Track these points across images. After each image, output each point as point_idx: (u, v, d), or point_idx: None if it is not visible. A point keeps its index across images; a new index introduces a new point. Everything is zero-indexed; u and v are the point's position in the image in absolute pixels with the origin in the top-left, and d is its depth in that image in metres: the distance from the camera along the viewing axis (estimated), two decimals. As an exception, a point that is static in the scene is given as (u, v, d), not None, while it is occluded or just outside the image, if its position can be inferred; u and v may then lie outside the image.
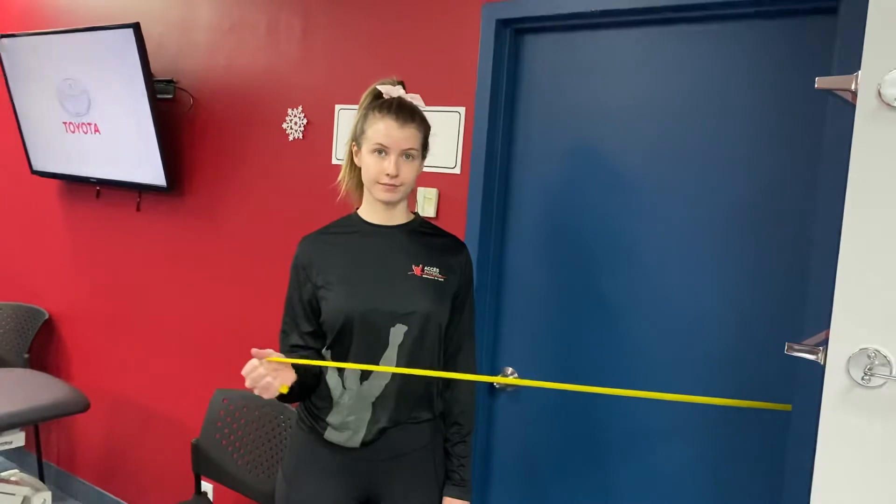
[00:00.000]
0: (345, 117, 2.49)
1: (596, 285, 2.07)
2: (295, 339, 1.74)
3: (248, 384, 1.56)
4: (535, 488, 2.22)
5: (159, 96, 2.91)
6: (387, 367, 1.65)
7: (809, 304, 1.73)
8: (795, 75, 1.76)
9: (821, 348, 1.25)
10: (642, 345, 2.00)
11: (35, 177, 3.56)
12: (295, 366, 1.63)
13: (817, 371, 1.75)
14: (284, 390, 1.59)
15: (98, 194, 3.36)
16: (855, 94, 1.14)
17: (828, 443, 1.16)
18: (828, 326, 1.74)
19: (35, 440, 3.40)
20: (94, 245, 3.43)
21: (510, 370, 2.24)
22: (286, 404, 2.50)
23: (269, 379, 1.55)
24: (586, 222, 2.08)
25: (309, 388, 1.72)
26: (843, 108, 1.69)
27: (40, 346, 3.66)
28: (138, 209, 3.20)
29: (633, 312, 2.02)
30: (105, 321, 3.40)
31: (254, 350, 1.56)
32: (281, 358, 1.60)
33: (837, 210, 1.68)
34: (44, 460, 3.53)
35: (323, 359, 1.72)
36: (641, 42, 1.98)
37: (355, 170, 1.75)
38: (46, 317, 3.62)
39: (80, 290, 3.51)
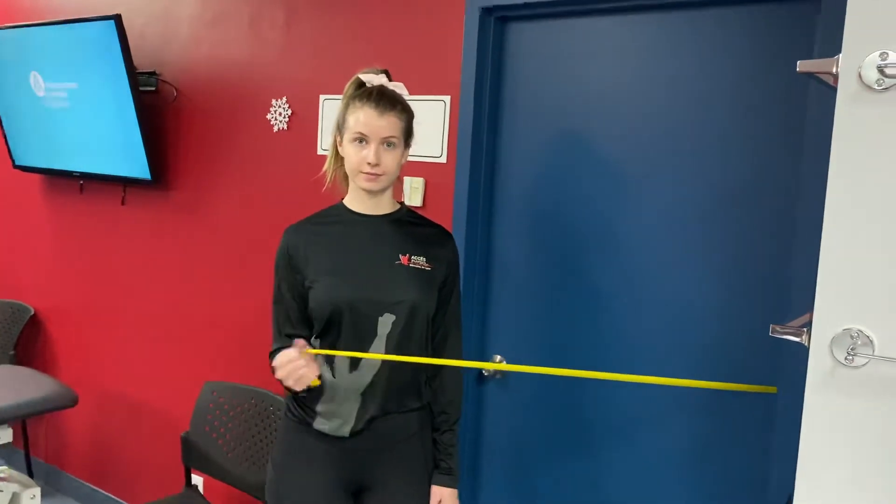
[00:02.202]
0: (329, 107, 2.48)
1: (582, 272, 2.08)
2: (289, 329, 1.74)
3: (281, 374, 1.59)
4: (523, 474, 2.24)
5: (142, 88, 2.88)
6: (406, 357, 1.64)
7: (794, 287, 1.75)
8: (778, 60, 1.77)
9: (804, 330, 1.26)
10: (629, 331, 2.02)
11: (17, 171, 3.52)
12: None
13: (802, 354, 1.77)
14: (316, 383, 1.63)
15: (82, 188, 3.34)
16: (836, 76, 1.15)
17: (812, 422, 1.17)
18: (811, 308, 1.76)
19: (23, 436, 3.38)
20: (79, 239, 3.41)
21: (498, 358, 2.25)
22: (274, 395, 2.50)
23: (304, 370, 1.59)
24: (572, 209, 2.09)
25: None
26: (824, 93, 1.70)
27: (26, 343, 3.64)
28: (123, 203, 3.17)
29: (619, 299, 2.03)
30: (91, 316, 3.38)
31: (299, 340, 1.62)
32: (320, 350, 1.65)
33: (820, 194, 1.70)
34: (32, 456, 3.51)
35: (313, 347, 1.73)
36: (624, 29, 1.98)
37: (340, 160, 1.74)
38: (32, 313, 3.59)
39: (66, 286, 3.49)
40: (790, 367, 1.77)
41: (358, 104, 1.63)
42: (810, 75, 1.31)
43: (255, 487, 2.45)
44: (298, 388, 1.62)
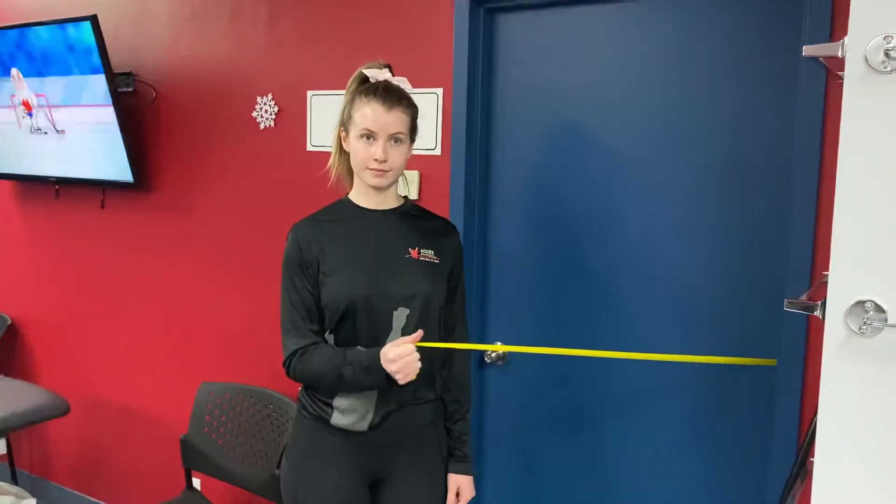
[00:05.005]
0: (318, 103, 2.47)
1: (579, 257, 2.12)
2: (313, 326, 1.71)
3: (394, 368, 1.58)
4: (525, 457, 2.28)
5: (119, 90, 2.83)
6: (498, 347, 1.65)
7: (791, 262, 1.81)
8: (767, 41, 1.83)
9: (819, 303, 1.31)
10: (626, 312, 2.06)
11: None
12: None
13: (800, 327, 1.84)
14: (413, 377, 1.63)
15: (57, 193, 3.27)
16: (842, 60, 1.19)
17: (830, 391, 1.22)
18: (809, 282, 1.82)
19: (7, 448, 3.31)
20: (56, 246, 3.34)
21: (499, 343, 2.28)
22: (272, 393, 2.51)
23: (418, 363, 1.60)
24: (568, 195, 2.13)
25: None
26: (815, 72, 1.76)
27: (5, 353, 3.56)
28: (103, 207, 3.12)
29: (616, 281, 2.07)
30: (74, 323, 3.32)
31: (420, 332, 1.61)
32: (431, 343, 1.64)
33: (812, 170, 1.76)
34: (16, 468, 3.44)
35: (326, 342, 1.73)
36: (612, 17, 2.02)
37: (344, 155, 1.75)
38: (8, 322, 3.52)
39: (45, 293, 3.42)
40: (789, 340, 1.83)
41: (364, 99, 1.63)
42: (815, 59, 1.36)
43: (258, 484, 2.45)
44: (406, 381, 1.61)
